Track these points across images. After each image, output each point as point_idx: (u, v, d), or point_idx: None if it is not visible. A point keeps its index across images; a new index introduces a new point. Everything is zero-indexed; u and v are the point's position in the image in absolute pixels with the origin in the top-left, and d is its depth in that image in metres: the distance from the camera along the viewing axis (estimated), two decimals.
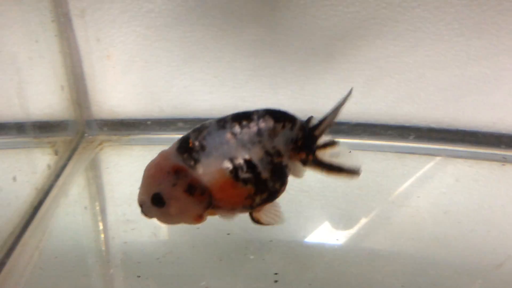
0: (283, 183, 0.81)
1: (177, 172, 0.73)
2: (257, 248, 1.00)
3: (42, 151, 1.24)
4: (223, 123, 0.77)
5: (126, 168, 1.32)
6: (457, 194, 1.19)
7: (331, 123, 0.86)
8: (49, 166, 1.20)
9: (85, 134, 1.42)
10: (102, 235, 1.08)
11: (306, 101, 1.40)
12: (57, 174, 1.21)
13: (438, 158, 1.33)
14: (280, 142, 0.78)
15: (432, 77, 1.33)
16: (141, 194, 0.75)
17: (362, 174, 1.24)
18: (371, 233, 1.06)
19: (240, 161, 0.74)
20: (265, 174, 0.76)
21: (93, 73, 1.37)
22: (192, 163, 0.73)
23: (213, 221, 1.06)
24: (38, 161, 1.21)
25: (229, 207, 0.78)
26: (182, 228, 1.03)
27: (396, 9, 1.25)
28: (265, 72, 1.38)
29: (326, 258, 0.99)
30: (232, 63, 1.36)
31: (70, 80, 1.34)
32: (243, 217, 1.08)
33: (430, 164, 1.31)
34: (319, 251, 1.02)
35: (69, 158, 1.28)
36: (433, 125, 1.38)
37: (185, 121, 1.43)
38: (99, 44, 1.32)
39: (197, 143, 0.74)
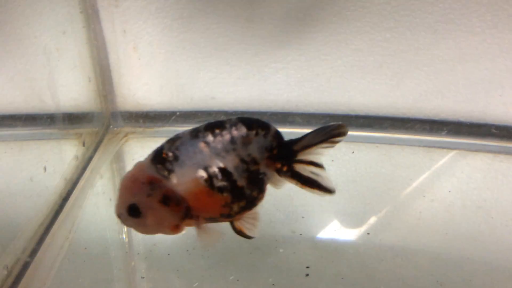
0: (260, 190, 0.80)
1: (152, 183, 0.73)
2: (287, 241, 0.99)
3: (70, 142, 1.24)
4: (196, 132, 0.77)
5: None
6: (489, 189, 1.17)
7: (313, 143, 0.82)
8: (76, 157, 1.20)
9: (111, 126, 1.42)
10: (126, 228, 1.07)
11: (332, 95, 1.38)
12: (84, 165, 1.21)
13: (468, 153, 1.31)
14: (254, 150, 0.77)
15: (462, 70, 1.30)
16: (118, 205, 0.76)
17: (389, 168, 1.26)
18: (403, 228, 1.05)
19: (214, 169, 0.74)
20: (241, 182, 0.76)
21: (118, 65, 1.37)
22: (166, 173, 0.74)
23: None
24: (66, 152, 1.21)
25: (207, 216, 0.78)
26: None
27: (428, 0, 1.23)
28: (291, 65, 1.36)
29: (357, 252, 0.98)
30: (258, 55, 1.35)
31: (97, 72, 1.34)
32: (270, 211, 1.09)
33: (459, 158, 1.29)
34: (350, 245, 1.00)
35: (95, 150, 1.29)
36: (462, 119, 1.36)
37: (210, 113, 1.43)
38: (125, 35, 1.32)
39: (170, 154, 0.74)
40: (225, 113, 1.43)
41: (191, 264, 0.94)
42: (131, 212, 0.74)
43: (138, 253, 0.98)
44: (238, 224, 0.84)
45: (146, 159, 0.78)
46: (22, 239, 0.94)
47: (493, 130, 1.34)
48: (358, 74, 1.35)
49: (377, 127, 1.38)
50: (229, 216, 0.79)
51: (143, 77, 1.39)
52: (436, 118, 1.36)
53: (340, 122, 0.82)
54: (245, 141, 0.76)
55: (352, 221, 1.06)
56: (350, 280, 0.90)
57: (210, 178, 0.74)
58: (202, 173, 0.74)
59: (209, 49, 1.34)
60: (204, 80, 1.39)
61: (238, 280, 0.91)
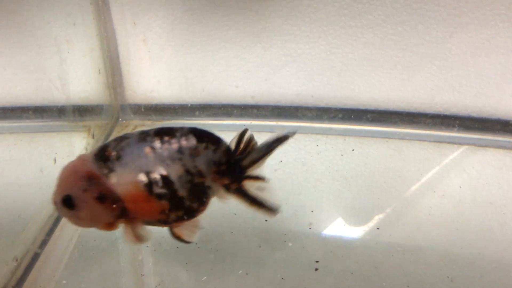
0: (201, 203, 0.78)
1: (90, 178, 0.72)
2: (296, 236, 0.99)
3: (79, 134, 1.24)
4: (145, 136, 0.75)
5: None
6: (499, 185, 1.15)
7: (262, 158, 0.81)
8: (86, 149, 1.20)
9: (119, 119, 1.42)
10: None
11: (343, 89, 1.37)
12: None
13: (478, 148, 1.29)
14: (202, 163, 0.76)
15: (474, 64, 1.28)
16: (54, 193, 0.75)
17: (400, 163, 1.25)
18: (412, 223, 1.04)
19: (156, 175, 0.73)
20: (182, 192, 0.74)
21: (128, 57, 1.36)
22: (106, 171, 0.73)
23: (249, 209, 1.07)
24: (75, 144, 1.21)
25: (144, 220, 0.77)
26: (220, 215, 1.04)
27: None
28: (300, 58, 1.35)
29: (366, 248, 0.97)
30: (268, 49, 1.34)
31: (106, 64, 1.33)
32: (282, 206, 1.08)
33: (470, 154, 1.27)
34: (360, 240, 1.00)
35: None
36: (473, 114, 1.34)
37: (219, 107, 1.42)
38: (135, 27, 1.31)
39: (114, 153, 0.73)
40: (234, 106, 1.42)
41: (199, 258, 0.94)
42: (65, 203, 0.73)
43: (146, 246, 0.98)
44: (176, 230, 0.82)
45: (90, 152, 0.77)
46: (31, 231, 0.95)
47: (505, 126, 1.32)
48: (369, 68, 1.34)
49: (387, 122, 1.37)
50: (166, 222, 0.78)
51: (152, 70, 1.39)
52: (447, 113, 1.35)
53: (287, 133, 0.80)
54: (193, 152, 0.75)
55: (361, 216, 1.06)
56: (359, 276, 0.90)
57: (150, 183, 0.72)
58: (143, 177, 0.72)
59: (219, 41, 1.34)
60: (213, 73, 1.39)
61: (247, 274, 0.91)
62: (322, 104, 1.41)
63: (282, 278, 0.89)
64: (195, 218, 0.80)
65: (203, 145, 0.76)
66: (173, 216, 0.76)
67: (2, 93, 1.33)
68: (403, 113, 1.37)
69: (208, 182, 0.77)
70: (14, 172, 1.12)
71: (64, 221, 1.01)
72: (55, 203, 0.75)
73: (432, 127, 1.35)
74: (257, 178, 0.82)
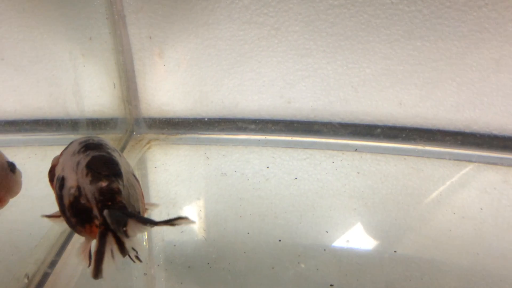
0: (82, 224, 0.71)
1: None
2: (310, 257, 0.96)
3: None
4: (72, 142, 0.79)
5: (173, 168, 1.31)
6: None
7: (144, 222, 0.69)
8: None
9: (134, 132, 1.42)
10: (146, 236, 1.06)
11: (359, 104, 1.35)
12: None
13: (500, 168, 1.25)
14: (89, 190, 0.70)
15: (496, 80, 1.25)
16: None
17: (418, 182, 1.22)
18: (431, 245, 1.00)
19: (59, 175, 0.75)
20: (66, 201, 0.72)
21: (143, 71, 1.36)
22: None
23: (264, 226, 1.05)
24: None
25: None
26: (233, 233, 1.02)
27: (462, 8, 1.18)
28: (317, 73, 1.33)
29: (383, 270, 0.94)
30: (283, 63, 1.33)
31: (121, 78, 1.33)
32: (296, 224, 1.06)
33: (491, 174, 1.23)
34: (376, 262, 0.96)
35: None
36: (495, 132, 1.30)
37: (234, 121, 1.41)
38: (151, 41, 1.31)
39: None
40: (249, 120, 1.40)
41: (211, 277, 0.92)
42: None
43: (158, 265, 0.96)
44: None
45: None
46: (44, 247, 0.94)
47: None
48: (387, 83, 1.31)
49: (406, 139, 1.35)
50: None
51: (167, 84, 1.38)
52: (467, 130, 1.32)
53: (186, 218, 0.69)
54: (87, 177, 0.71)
55: (377, 236, 1.02)
56: None
57: (57, 180, 0.74)
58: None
59: (234, 55, 1.33)
60: (228, 87, 1.37)
61: None
62: (338, 119, 1.38)
63: None
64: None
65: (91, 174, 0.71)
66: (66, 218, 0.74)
67: (18, 106, 1.33)
68: (422, 130, 1.34)
69: (94, 210, 0.70)
70: (27, 187, 1.12)
71: (75, 238, 1.00)
72: None
73: (452, 145, 1.32)
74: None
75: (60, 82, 1.18)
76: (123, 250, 0.64)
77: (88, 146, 0.76)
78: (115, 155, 0.76)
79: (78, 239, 0.98)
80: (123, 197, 0.69)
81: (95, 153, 0.74)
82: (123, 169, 0.74)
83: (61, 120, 1.27)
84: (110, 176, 0.70)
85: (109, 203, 0.68)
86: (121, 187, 0.70)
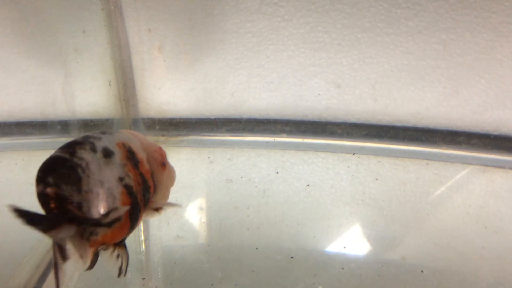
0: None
1: None
2: (327, 276, 0.86)
3: None
4: None
5: None
6: None
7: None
8: None
9: None
10: (144, 245, 0.98)
11: (377, 103, 1.26)
12: None
13: None
14: None
15: None
16: None
17: (442, 189, 1.12)
18: (461, 262, 0.90)
19: None
20: None
21: (142, 67, 1.27)
22: None
23: (274, 240, 0.96)
24: None
25: None
26: (240, 249, 0.93)
27: None
28: (330, 68, 1.24)
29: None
30: (294, 58, 1.23)
31: (118, 74, 1.25)
32: (310, 238, 0.97)
33: None
34: (397, 280, 0.86)
35: None
36: None
37: (240, 121, 1.33)
38: (150, 34, 1.22)
39: None
40: (256, 120, 1.32)
41: None
42: None
43: (156, 286, 0.87)
44: None
45: None
46: (26, 269, 0.85)
47: None
48: (408, 80, 1.23)
49: (428, 141, 1.27)
50: None
51: (168, 81, 1.30)
52: (496, 133, 1.24)
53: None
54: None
55: (397, 251, 0.93)
56: None
57: None
58: None
59: (241, 49, 1.24)
60: (234, 84, 1.29)
61: None
62: (353, 119, 1.30)
63: None
64: None
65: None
66: None
67: (5, 107, 1.25)
68: (446, 132, 1.26)
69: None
70: (13, 196, 1.03)
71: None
72: None
73: (479, 149, 1.24)
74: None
75: (50, 80, 1.10)
76: (63, 255, 0.61)
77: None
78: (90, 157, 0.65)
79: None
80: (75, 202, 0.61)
81: (53, 154, 0.64)
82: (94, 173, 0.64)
83: (51, 122, 1.19)
84: (45, 180, 0.61)
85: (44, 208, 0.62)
86: (65, 192, 0.61)
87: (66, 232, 0.60)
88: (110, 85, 1.22)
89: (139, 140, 0.75)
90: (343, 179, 1.15)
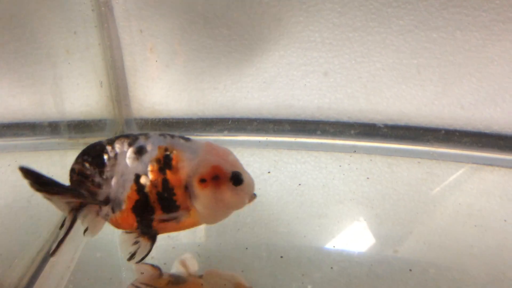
0: None
1: None
2: (316, 275, 0.87)
3: (77, 153, 1.16)
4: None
5: None
6: None
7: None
8: None
9: None
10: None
11: (369, 102, 1.27)
12: None
13: None
14: None
15: None
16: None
17: (433, 188, 1.13)
18: (451, 261, 0.91)
19: None
20: None
21: (134, 67, 1.28)
22: None
23: (265, 240, 0.96)
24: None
25: None
26: (230, 249, 0.93)
27: None
28: (322, 68, 1.24)
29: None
30: (286, 57, 1.24)
31: (110, 75, 1.26)
32: (300, 238, 0.97)
33: None
34: (389, 281, 0.87)
35: None
36: None
37: (232, 120, 1.33)
38: (142, 35, 1.23)
39: None
40: (249, 120, 1.32)
41: None
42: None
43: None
44: None
45: None
46: (25, 260, 0.87)
47: None
48: (399, 78, 1.23)
49: (419, 140, 1.27)
50: None
51: (160, 81, 1.30)
52: (487, 131, 1.24)
53: None
54: None
55: (390, 250, 0.93)
56: None
57: None
58: None
59: (233, 48, 1.24)
60: (226, 84, 1.29)
61: None
62: (345, 118, 1.30)
63: None
64: None
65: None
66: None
67: None
68: (437, 130, 1.26)
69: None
70: (6, 198, 1.04)
71: (54, 258, 0.92)
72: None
73: (471, 147, 1.24)
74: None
75: (41, 81, 1.10)
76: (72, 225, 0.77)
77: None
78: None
79: (54, 261, 0.91)
80: (94, 182, 0.75)
81: (100, 140, 0.79)
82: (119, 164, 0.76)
83: (44, 123, 1.19)
84: (78, 158, 0.78)
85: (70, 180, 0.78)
86: (87, 171, 0.76)
87: (65, 199, 0.74)
88: (101, 86, 1.22)
89: (211, 154, 0.77)
90: (336, 178, 1.15)
